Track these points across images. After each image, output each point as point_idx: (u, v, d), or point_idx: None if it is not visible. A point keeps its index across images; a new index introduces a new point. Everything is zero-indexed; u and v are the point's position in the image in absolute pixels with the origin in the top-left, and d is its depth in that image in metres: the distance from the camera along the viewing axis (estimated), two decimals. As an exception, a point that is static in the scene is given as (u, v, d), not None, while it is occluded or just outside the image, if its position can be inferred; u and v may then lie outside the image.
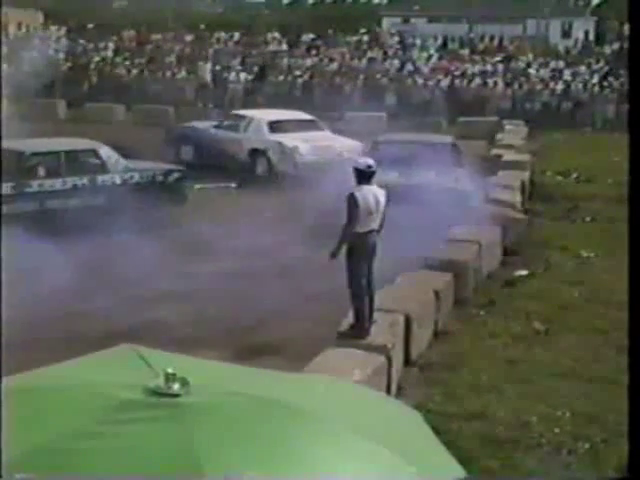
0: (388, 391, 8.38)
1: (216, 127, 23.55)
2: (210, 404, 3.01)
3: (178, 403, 2.97)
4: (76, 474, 2.78)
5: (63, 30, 42.13)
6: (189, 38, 41.36)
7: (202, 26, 42.77)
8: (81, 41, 40.03)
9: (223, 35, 42.41)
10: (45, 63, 36.87)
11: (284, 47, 40.79)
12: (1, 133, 13.04)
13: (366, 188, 9.60)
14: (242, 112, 24.67)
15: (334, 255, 9.57)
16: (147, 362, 3.31)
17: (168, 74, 35.71)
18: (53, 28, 42.85)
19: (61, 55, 38.61)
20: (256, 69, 35.82)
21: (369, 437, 3.09)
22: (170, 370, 3.05)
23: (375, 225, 9.61)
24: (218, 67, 36.01)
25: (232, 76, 35.18)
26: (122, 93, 33.03)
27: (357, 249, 9.53)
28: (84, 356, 3.77)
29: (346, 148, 21.03)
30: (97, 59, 37.57)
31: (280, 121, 22.73)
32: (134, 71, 36.19)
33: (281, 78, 35.50)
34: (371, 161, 9.86)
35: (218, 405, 3.04)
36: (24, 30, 43.23)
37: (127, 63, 37.13)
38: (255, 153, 21.99)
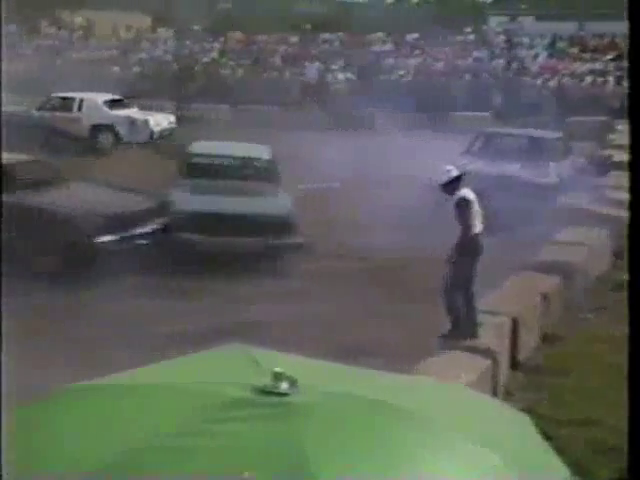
0: (494, 395, 8.28)
1: (39, 110, 26.29)
2: (318, 404, 3.01)
3: (286, 402, 2.98)
4: (182, 472, 2.80)
5: (170, 32, 42.82)
6: (294, 39, 41.60)
7: (307, 26, 42.98)
8: (187, 43, 40.61)
9: (328, 35, 42.54)
10: (153, 65, 37.56)
11: (388, 47, 40.71)
12: (1, 133, 13.13)
13: (469, 191, 9.63)
14: (65, 94, 27.36)
15: (452, 260, 9.52)
16: (255, 360, 3.33)
17: (273, 75, 35.96)
18: (160, 30, 43.60)
19: (168, 57, 39.23)
20: (358, 69, 35.81)
21: (475, 439, 3.06)
22: (278, 369, 3.06)
23: (481, 227, 9.61)
24: (323, 67, 36.13)
25: (336, 76, 35.25)
26: (227, 94, 33.36)
27: (470, 252, 9.49)
28: (192, 354, 3.81)
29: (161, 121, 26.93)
30: (203, 60, 38.04)
31: (112, 100, 27.11)
32: (239, 72, 36.53)
33: (384, 78, 35.43)
34: (451, 167, 9.81)
35: (326, 405, 3.03)
36: (132, 33, 44.07)
37: (232, 64, 37.50)
38: (96, 128, 25.83)
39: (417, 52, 39.47)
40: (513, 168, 17.10)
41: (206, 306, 11.90)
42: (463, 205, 9.48)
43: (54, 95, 27.45)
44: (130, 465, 2.78)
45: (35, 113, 25.54)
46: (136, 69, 37.10)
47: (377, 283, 12.48)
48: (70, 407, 3.25)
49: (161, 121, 27.12)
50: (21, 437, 3.12)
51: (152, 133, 26.39)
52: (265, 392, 3.01)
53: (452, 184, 9.59)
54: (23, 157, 14.82)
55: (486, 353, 8.67)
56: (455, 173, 9.65)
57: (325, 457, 2.82)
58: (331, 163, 18.56)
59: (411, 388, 3.73)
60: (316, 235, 14.43)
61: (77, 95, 27.03)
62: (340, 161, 18.99)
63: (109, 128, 26.01)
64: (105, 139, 25.89)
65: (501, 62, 38.03)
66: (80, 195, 14.07)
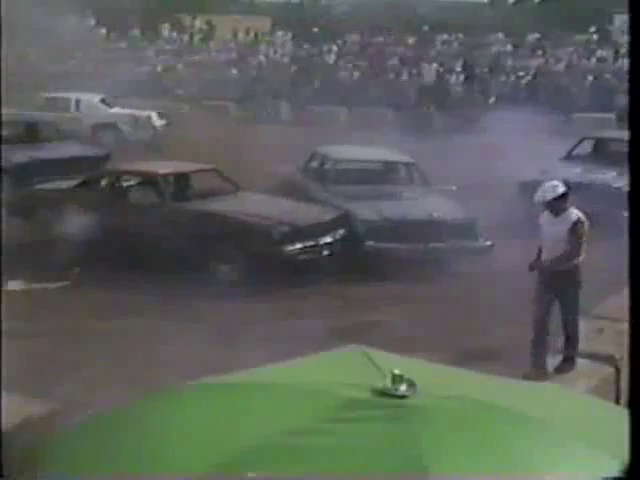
0: (617, 403, 8.12)
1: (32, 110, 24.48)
2: (436, 407, 3.02)
3: (405, 404, 3.00)
4: (301, 471, 2.84)
5: (289, 35, 43.20)
6: (411, 40, 41.50)
7: (425, 28, 42.83)
8: (306, 45, 40.92)
9: (445, 37, 42.32)
10: (271, 67, 37.97)
11: (508, 48, 40.26)
12: (1, 134, 13.28)
13: (577, 211, 8.87)
14: (58, 95, 26.94)
15: (555, 292, 8.79)
16: (374, 362, 3.35)
17: (390, 76, 35.94)
18: (280, 33, 44.03)
19: (286, 59, 39.58)
20: (469, 69, 35.47)
21: (588, 441, 3.03)
22: (397, 371, 3.07)
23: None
24: (441, 69, 35.94)
25: (454, 78, 35.03)
26: (344, 96, 33.48)
27: (578, 283, 8.79)
28: (311, 355, 3.85)
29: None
30: (321, 63, 38.27)
31: (104, 98, 27.22)
32: (356, 74, 36.62)
33: (503, 79, 35.04)
34: (557, 183, 8.97)
35: (444, 408, 3.04)
36: (252, 36, 44.61)
37: (349, 66, 37.61)
38: (97, 127, 25.57)
39: (538, 53, 38.91)
40: (607, 176, 16.31)
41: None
42: (580, 229, 8.67)
43: (48, 95, 26.94)
44: (250, 462, 2.83)
45: (36, 114, 24.36)
46: (254, 72, 37.54)
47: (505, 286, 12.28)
48: (193, 403, 3.33)
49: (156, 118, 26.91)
50: (142, 429, 3.21)
51: (156, 130, 26.27)
52: (384, 394, 3.04)
53: (558, 202, 8.75)
54: (198, 166, 15.20)
55: (607, 360, 8.50)
56: (561, 190, 8.81)
57: (442, 460, 2.83)
58: (447, 165, 18.43)
59: (531, 394, 3.71)
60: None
61: (72, 95, 26.95)
62: (455, 163, 18.84)
63: (111, 126, 25.95)
64: (107, 138, 25.47)
65: (626, 62, 37.22)
66: (258, 204, 14.12)
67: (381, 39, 41.90)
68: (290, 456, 2.87)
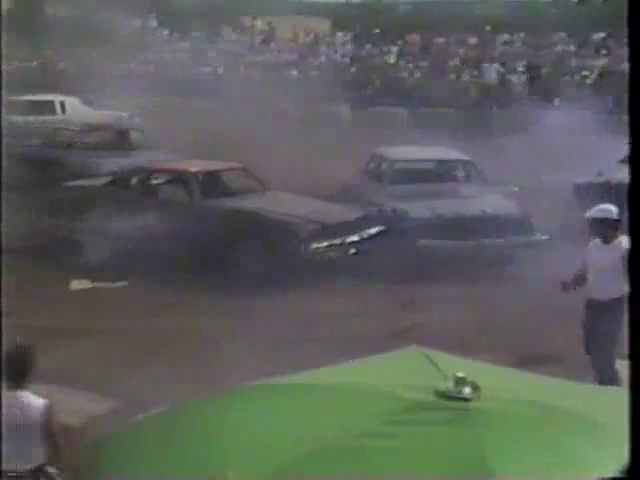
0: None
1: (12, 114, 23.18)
2: (501, 410, 3.01)
3: (469, 407, 2.99)
4: (366, 473, 2.85)
5: (349, 35, 43.18)
6: (473, 40, 41.26)
7: (487, 28, 42.54)
8: (366, 46, 40.87)
9: (507, 37, 41.98)
10: (331, 68, 37.97)
11: (572, 47, 39.84)
12: (1, 131, 13.27)
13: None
14: (38, 98, 25.88)
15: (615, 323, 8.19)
16: (436, 365, 3.35)
17: (452, 77, 35.76)
18: (340, 34, 44.02)
19: (346, 60, 39.55)
20: (532, 69, 35.14)
21: None
22: (460, 374, 3.07)
23: None
24: (503, 69, 35.68)
25: (515, 78, 34.75)
26: (405, 96, 33.37)
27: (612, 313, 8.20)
28: (372, 356, 3.86)
29: None
30: (381, 63, 38.20)
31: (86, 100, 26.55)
32: (417, 74, 36.49)
33: (567, 79, 34.67)
34: (610, 207, 8.50)
35: (509, 411, 3.03)
36: (312, 37, 44.68)
37: (410, 66, 37.49)
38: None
39: (603, 52, 38.43)
40: None
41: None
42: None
43: (25, 99, 25.36)
44: (314, 464, 2.85)
45: (17, 119, 23.77)
46: (314, 72, 37.58)
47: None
48: (255, 404, 3.35)
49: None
50: (201, 431, 3.24)
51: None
52: (448, 396, 3.04)
53: (609, 228, 8.35)
54: (228, 164, 15.45)
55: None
56: (614, 214, 8.36)
57: (507, 464, 2.82)
58: (506, 165, 18.23)
59: (596, 398, 3.68)
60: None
61: (54, 97, 26.13)
62: (514, 163, 18.63)
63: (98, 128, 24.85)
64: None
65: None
66: (286, 202, 14.33)
67: (442, 39, 41.69)
68: (354, 458, 2.89)
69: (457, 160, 16.36)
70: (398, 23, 47.04)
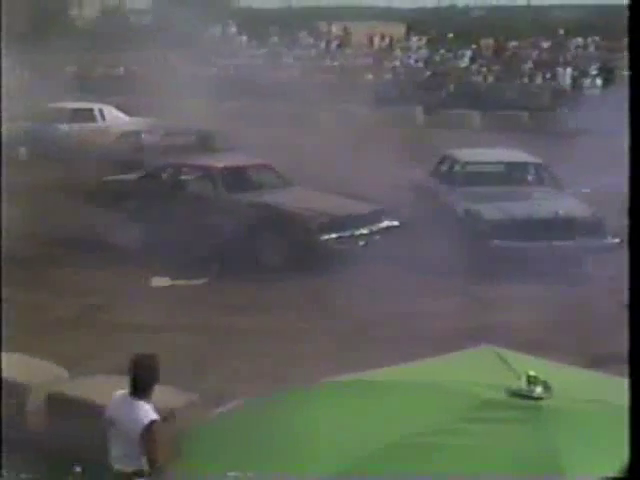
0: None
1: (55, 122, 23.54)
2: (572, 409, 2.98)
3: (541, 406, 2.97)
4: (437, 469, 2.84)
5: (424, 40, 43.05)
6: (546, 44, 40.82)
7: (561, 31, 42.04)
8: (440, 50, 40.71)
9: (581, 40, 41.45)
10: (406, 72, 37.90)
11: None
12: (1, 134, 13.17)
13: None
14: (76, 105, 25.15)
15: None
16: (507, 363, 3.32)
17: (524, 80, 35.43)
18: (414, 39, 43.92)
19: (420, 64, 39.43)
20: (606, 72, 34.59)
21: None
22: (532, 373, 3.04)
23: None
24: (576, 72, 35.24)
25: (589, 81, 34.30)
26: (478, 99, 33.16)
27: None
28: (444, 354, 3.85)
29: None
30: (455, 67, 38.00)
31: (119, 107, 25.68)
32: (490, 78, 36.22)
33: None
34: None
35: (580, 411, 2.99)
36: (387, 41, 44.64)
37: (484, 70, 37.24)
38: (122, 136, 22.96)
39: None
40: None
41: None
42: None
43: (62, 106, 25.06)
44: (392, 458, 2.85)
45: (61, 127, 23.87)
46: (388, 76, 37.53)
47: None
48: (326, 401, 3.36)
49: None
50: (281, 426, 3.25)
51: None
52: (519, 395, 3.01)
53: None
54: (254, 160, 16.00)
55: None
56: None
57: (576, 463, 2.78)
58: (578, 167, 17.97)
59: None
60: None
61: (94, 105, 25.53)
62: (585, 165, 18.35)
63: (134, 135, 23.74)
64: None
65: None
66: (306, 197, 14.74)
67: (515, 43, 41.32)
68: (430, 454, 2.88)
69: (528, 163, 16.31)
70: (471, 27, 46.76)
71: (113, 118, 24.97)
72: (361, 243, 13.90)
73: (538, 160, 16.27)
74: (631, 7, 2.73)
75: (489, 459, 2.87)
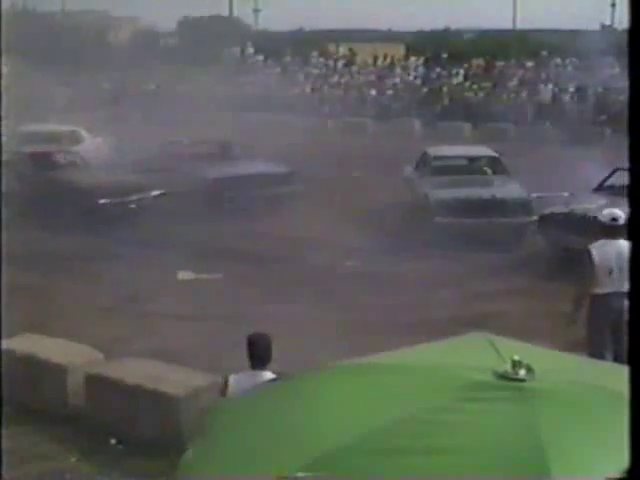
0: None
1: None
2: (553, 390, 2.98)
3: (523, 387, 2.97)
4: (437, 444, 2.83)
5: (421, 60, 42.97)
6: (530, 64, 40.70)
7: (543, 53, 41.92)
8: (436, 69, 40.61)
9: (560, 61, 41.26)
10: (405, 88, 37.87)
11: (616, 71, 39.04)
12: (1, 139, 13.22)
13: (608, 243, 7.82)
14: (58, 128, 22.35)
15: (573, 321, 7.91)
16: (496, 348, 3.32)
17: (511, 96, 35.37)
18: (413, 58, 43.82)
19: (418, 81, 39.39)
20: (582, 90, 34.46)
21: None
22: (517, 357, 3.05)
23: (620, 286, 7.52)
24: (557, 89, 35.15)
25: (568, 97, 34.20)
26: (469, 113, 33.15)
27: (597, 314, 7.78)
28: (438, 340, 3.85)
29: None
30: (449, 84, 37.96)
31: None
32: (480, 94, 36.18)
33: (613, 98, 33.99)
34: (618, 213, 7.89)
35: (561, 392, 2.99)
36: (388, 61, 44.58)
37: (474, 87, 37.18)
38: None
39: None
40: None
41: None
42: (584, 258, 7.81)
43: (54, 129, 22.15)
44: (394, 435, 2.85)
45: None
46: (390, 92, 37.49)
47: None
48: (335, 382, 3.36)
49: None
50: (292, 405, 3.26)
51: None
52: (505, 377, 3.01)
53: (606, 229, 7.89)
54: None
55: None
56: (607, 219, 7.98)
57: (558, 439, 2.78)
58: (561, 174, 17.96)
59: None
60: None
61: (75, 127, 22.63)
62: (569, 173, 18.31)
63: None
64: None
65: None
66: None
67: (503, 63, 41.23)
68: (429, 429, 2.88)
69: (485, 156, 17.54)
70: (464, 49, 46.73)
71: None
72: (132, 206, 16.40)
73: (494, 154, 17.35)
74: (631, 8, 2.72)
75: (476, 434, 2.88)
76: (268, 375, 5.50)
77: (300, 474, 2.75)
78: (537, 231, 14.50)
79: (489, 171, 16.94)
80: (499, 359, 3.15)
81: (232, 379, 5.62)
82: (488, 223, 14.48)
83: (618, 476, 2.52)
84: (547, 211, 14.37)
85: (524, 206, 14.93)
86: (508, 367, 3.03)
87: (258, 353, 5.59)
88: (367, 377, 3.26)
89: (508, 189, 15.58)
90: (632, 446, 2.43)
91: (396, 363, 3.38)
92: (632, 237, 2.51)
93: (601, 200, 12.93)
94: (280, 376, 5.51)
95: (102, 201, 16.22)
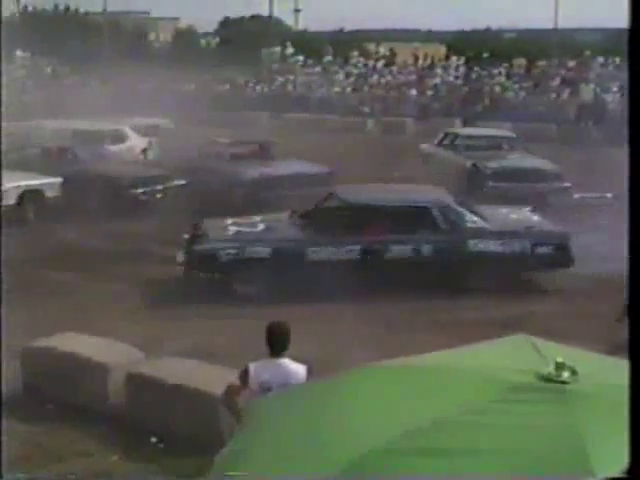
0: None
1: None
2: (596, 393, 2.95)
3: (566, 390, 2.94)
4: (472, 445, 2.82)
5: (462, 59, 42.76)
6: (572, 63, 40.33)
7: (586, 52, 41.51)
8: (476, 69, 40.39)
9: (602, 60, 40.82)
10: (445, 88, 37.73)
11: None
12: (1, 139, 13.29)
13: None
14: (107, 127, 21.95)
15: (621, 318, 7.71)
16: (539, 351, 3.30)
17: (552, 96, 35.08)
18: (454, 58, 43.63)
19: (459, 81, 39.22)
20: (624, 89, 34.07)
21: None
22: (560, 359, 3.02)
23: None
24: (599, 89, 34.80)
25: (610, 97, 33.84)
26: (510, 113, 32.92)
27: None
28: (480, 342, 3.82)
29: None
30: (490, 84, 37.74)
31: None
32: (521, 94, 35.93)
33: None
34: None
35: (603, 394, 2.96)
36: (428, 61, 44.46)
37: (515, 87, 36.93)
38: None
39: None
40: None
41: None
42: None
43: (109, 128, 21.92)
44: (431, 436, 2.84)
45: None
46: (430, 92, 37.38)
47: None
48: (375, 382, 3.35)
49: None
50: (330, 406, 3.25)
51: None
52: (547, 379, 2.99)
53: None
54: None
55: None
56: None
57: (599, 440, 2.76)
58: (603, 175, 17.79)
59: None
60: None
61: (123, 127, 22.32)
62: (611, 174, 18.09)
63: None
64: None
65: None
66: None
67: (544, 62, 40.88)
68: (467, 432, 2.87)
69: (503, 136, 21.44)
70: (505, 48, 46.42)
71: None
72: (159, 196, 17.33)
73: (512, 135, 21.62)
74: (631, 8, 2.67)
75: (519, 436, 2.86)
76: (286, 361, 5.66)
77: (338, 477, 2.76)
78: None
79: (507, 147, 20.40)
80: (542, 361, 3.13)
81: (252, 367, 5.71)
82: (530, 187, 17.42)
83: (618, 476, 2.50)
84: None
85: (556, 175, 18.25)
86: (551, 369, 3.01)
87: (277, 340, 5.70)
88: (408, 378, 3.26)
89: (535, 161, 19.13)
90: (632, 446, 2.41)
91: (438, 364, 3.37)
92: (632, 237, 2.48)
93: None
94: (307, 365, 5.61)
95: (131, 191, 17.13)
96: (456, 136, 21.20)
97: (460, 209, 12.35)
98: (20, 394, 8.09)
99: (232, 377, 6.69)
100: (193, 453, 6.80)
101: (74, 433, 7.36)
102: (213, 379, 7.26)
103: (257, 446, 3.23)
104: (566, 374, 2.98)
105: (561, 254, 12.11)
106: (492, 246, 11.95)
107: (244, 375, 5.71)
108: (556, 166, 18.60)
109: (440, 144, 21.31)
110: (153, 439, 7.24)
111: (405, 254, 11.80)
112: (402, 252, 11.78)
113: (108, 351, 8.17)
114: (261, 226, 12.36)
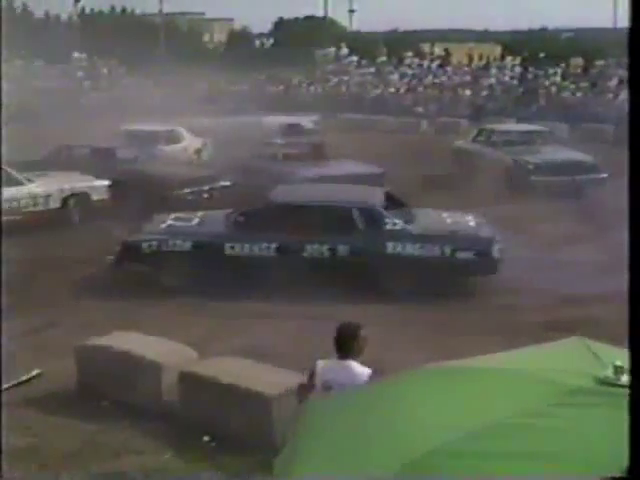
0: None
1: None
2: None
3: (625, 393, 2.88)
4: (531, 448, 2.78)
5: (517, 59, 42.43)
6: (631, 62, 39.76)
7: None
8: (532, 69, 40.03)
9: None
10: (500, 89, 37.42)
11: None
12: (1, 145, 13.07)
13: None
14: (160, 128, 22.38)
15: None
16: (595, 354, 3.24)
17: (610, 96, 34.58)
18: (509, 58, 43.31)
19: (514, 81, 38.89)
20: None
21: None
22: (618, 363, 2.97)
23: None
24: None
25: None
26: (567, 113, 32.52)
27: None
28: (535, 345, 3.77)
29: None
30: (546, 84, 37.34)
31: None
32: (578, 94, 35.49)
33: None
34: None
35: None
36: (483, 61, 44.19)
37: (572, 87, 36.49)
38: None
39: None
40: None
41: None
42: None
43: (164, 129, 22.31)
44: (487, 438, 2.81)
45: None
46: (485, 93, 37.12)
47: None
48: (430, 385, 3.33)
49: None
50: (385, 407, 3.24)
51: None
52: (606, 383, 2.94)
53: None
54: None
55: None
56: None
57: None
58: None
59: None
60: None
61: (174, 127, 22.83)
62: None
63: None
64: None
65: None
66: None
67: (602, 62, 40.35)
68: (523, 434, 2.83)
69: (537, 130, 22.22)
70: (561, 48, 45.91)
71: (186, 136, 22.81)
72: (205, 196, 17.19)
73: (544, 129, 22.38)
74: (631, 8, 2.61)
75: (577, 440, 2.81)
76: (352, 363, 5.59)
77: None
78: None
79: (540, 141, 21.10)
80: (598, 364, 3.07)
81: (319, 366, 5.70)
82: (570, 180, 18.26)
83: (618, 476, 2.45)
84: None
85: (593, 166, 18.93)
86: (609, 372, 2.96)
87: (343, 342, 5.67)
88: (466, 380, 3.23)
89: (570, 154, 19.86)
90: (632, 446, 2.35)
91: (495, 367, 3.33)
92: (632, 236, 2.42)
93: None
94: (372, 369, 5.55)
95: (178, 192, 16.90)
96: (492, 132, 21.93)
97: (382, 211, 12.09)
98: (75, 391, 8.20)
99: (287, 378, 6.71)
100: (244, 452, 6.83)
101: (128, 431, 7.43)
102: (265, 379, 7.28)
103: (315, 447, 3.23)
104: (625, 378, 2.92)
105: (483, 260, 11.78)
106: (410, 249, 11.72)
107: (312, 374, 5.74)
108: (590, 157, 19.30)
109: (475, 140, 22.03)
110: (205, 438, 7.28)
111: (321, 253, 11.82)
112: (318, 251, 11.80)
113: (161, 350, 8.23)
114: (195, 221, 12.73)
